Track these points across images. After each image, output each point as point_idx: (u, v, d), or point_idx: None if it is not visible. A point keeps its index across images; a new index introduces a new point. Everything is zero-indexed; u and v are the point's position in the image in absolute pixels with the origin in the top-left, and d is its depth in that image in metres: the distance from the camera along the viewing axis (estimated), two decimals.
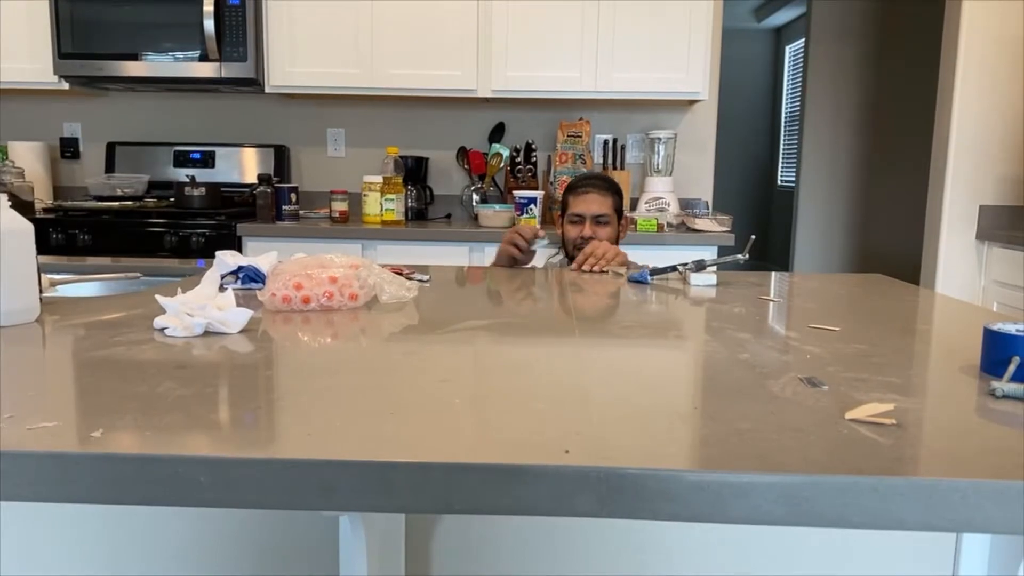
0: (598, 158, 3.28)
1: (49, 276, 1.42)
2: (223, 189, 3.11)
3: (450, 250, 2.84)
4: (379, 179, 2.95)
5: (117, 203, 3.01)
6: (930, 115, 3.27)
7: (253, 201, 3.02)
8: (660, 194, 3.07)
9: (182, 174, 3.23)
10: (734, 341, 1.04)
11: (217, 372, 0.84)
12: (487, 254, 2.81)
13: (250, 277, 1.36)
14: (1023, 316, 1.32)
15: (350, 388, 0.79)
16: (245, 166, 3.33)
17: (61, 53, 2.95)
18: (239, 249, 2.81)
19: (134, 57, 2.95)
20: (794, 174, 5.63)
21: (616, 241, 2.12)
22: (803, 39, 5.50)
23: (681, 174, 3.29)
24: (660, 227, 2.87)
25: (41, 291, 1.15)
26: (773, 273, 1.78)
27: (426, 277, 1.59)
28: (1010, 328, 0.86)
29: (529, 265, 2.03)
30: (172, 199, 3.06)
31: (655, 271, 1.63)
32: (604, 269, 1.79)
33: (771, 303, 1.38)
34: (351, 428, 0.66)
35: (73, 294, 1.49)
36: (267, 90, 3.02)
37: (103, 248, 2.87)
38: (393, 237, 2.86)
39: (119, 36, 2.94)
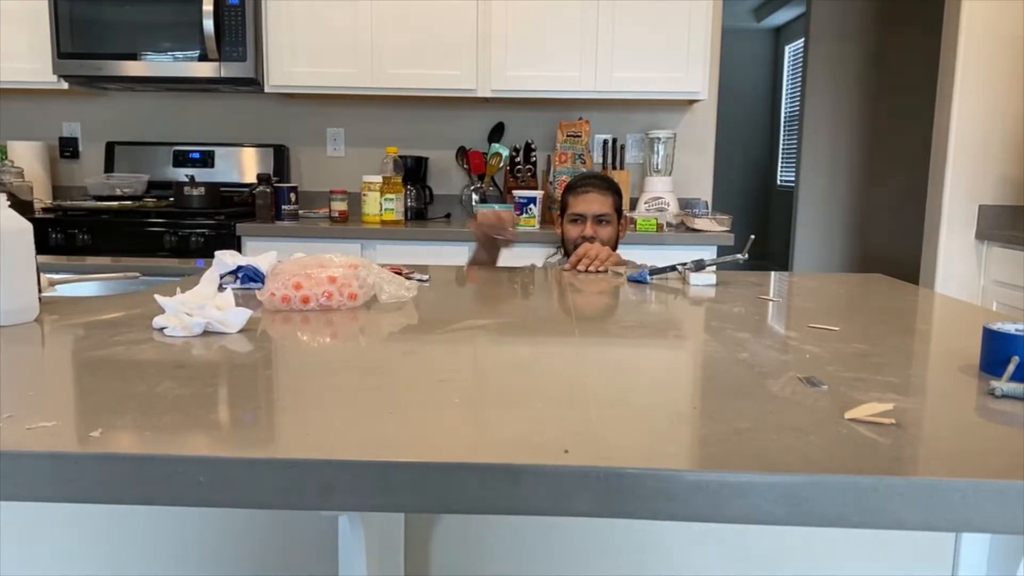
0: (597, 158, 3.28)
1: (48, 276, 1.42)
2: (222, 189, 3.11)
3: (449, 250, 2.83)
4: (379, 179, 2.95)
5: (116, 203, 3.01)
6: (930, 115, 3.27)
7: (252, 201, 3.02)
8: (659, 194, 3.07)
9: (181, 174, 3.23)
10: (733, 341, 1.04)
11: (216, 372, 0.84)
12: None
13: (249, 277, 1.36)
14: (1023, 316, 1.32)
15: (349, 388, 0.79)
16: (244, 166, 3.33)
17: (60, 53, 2.95)
18: (238, 249, 2.81)
19: (133, 57, 2.95)
20: (794, 174, 5.63)
21: (616, 241, 2.12)
22: (802, 39, 5.50)
23: (680, 174, 3.29)
24: (660, 227, 2.88)
25: (40, 291, 1.15)
26: (772, 273, 1.78)
27: (425, 277, 1.58)
28: (1009, 328, 0.86)
29: (527, 264, 2.03)
30: (171, 199, 3.06)
31: (654, 271, 1.63)
32: (602, 269, 1.79)
33: (770, 303, 1.38)
34: (350, 428, 0.66)
35: (72, 294, 1.49)
36: (267, 90, 3.02)
37: (102, 248, 2.87)
38: (392, 237, 2.86)
39: (118, 36, 2.94)
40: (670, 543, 0.97)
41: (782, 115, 7.29)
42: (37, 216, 2.93)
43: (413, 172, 3.21)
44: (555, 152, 3.14)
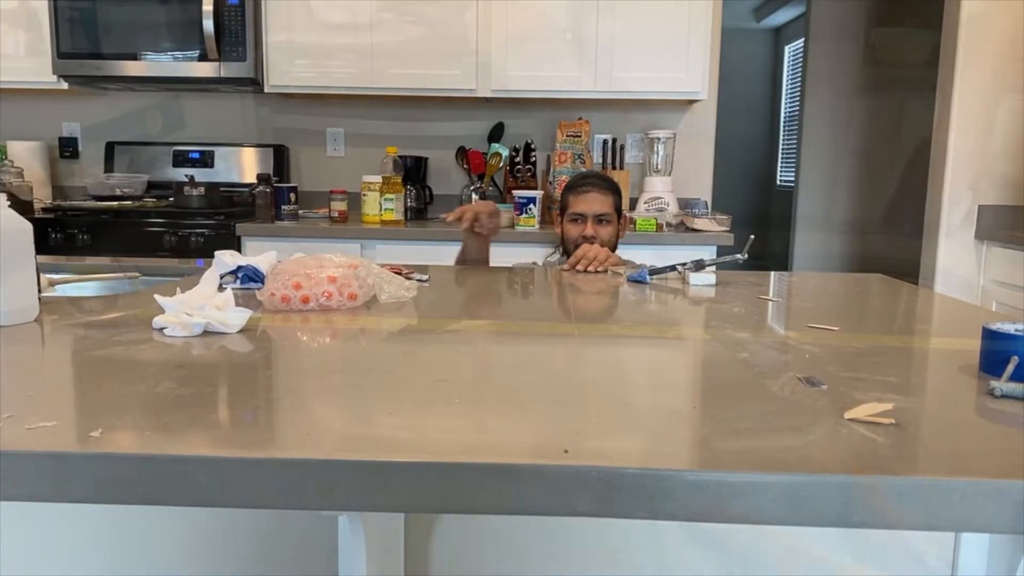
0: (597, 158, 3.28)
1: (48, 276, 1.41)
2: (222, 189, 3.11)
3: (449, 250, 2.81)
4: (378, 179, 2.95)
5: (116, 203, 3.01)
6: (929, 115, 3.27)
7: (252, 201, 3.02)
8: (659, 194, 3.07)
9: (181, 174, 3.23)
10: (733, 341, 1.04)
11: (216, 372, 0.84)
12: None
13: (249, 277, 1.36)
14: (1023, 316, 1.32)
15: (349, 388, 0.79)
16: (244, 166, 3.33)
17: (60, 52, 2.95)
18: (238, 249, 2.80)
19: (133, 57, 2.95)
20: (793, 174, 5.62)
21: (616, 241, 2.11)
22: (802, 39, 5.50)
23: (680, 174, 3.29)
24: (659, 227, 2.88)
25: (40, 291, 1.15)
26: (772, 273, 1.78)
27: (425, 277, 1.58)
28: (1009, 328, 0.86)
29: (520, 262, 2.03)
30: (171, 199, 3.06)
31: (654, 271, 1.63)
32: (601, 269, 1.79)
33: (770, 303, 1.38)
34: (350, 428, 0.66)
35: (72, 294, 1.49)
36: (266, 90, 3.02)
37: (102, 248, 2.87)
38: (392, 237, 2.85)
39: (118, 36, 2.94)
40: (669, 543, 0.97)
41: (782, 115, 7.28)
42: (37, 216, 2.93)
43: (413, 172, 3.21)
44: (555, 152, 3.14)
